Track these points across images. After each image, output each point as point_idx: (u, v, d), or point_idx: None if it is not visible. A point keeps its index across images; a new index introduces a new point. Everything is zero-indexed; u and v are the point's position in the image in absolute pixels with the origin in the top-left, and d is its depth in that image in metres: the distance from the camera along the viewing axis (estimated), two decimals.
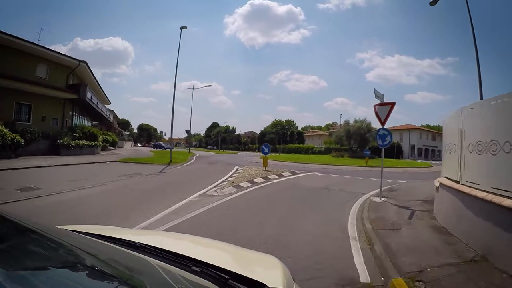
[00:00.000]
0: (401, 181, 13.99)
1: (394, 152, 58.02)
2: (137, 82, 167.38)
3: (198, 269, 1.03)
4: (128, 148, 48.83)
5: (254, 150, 75.21)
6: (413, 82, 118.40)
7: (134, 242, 1.27)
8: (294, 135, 78.63)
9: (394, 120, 65.43)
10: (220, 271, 1.02)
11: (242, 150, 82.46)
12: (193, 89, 41.79)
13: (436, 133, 73.88)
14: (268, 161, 17.20)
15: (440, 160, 9.54)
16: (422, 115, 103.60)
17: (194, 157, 29.30)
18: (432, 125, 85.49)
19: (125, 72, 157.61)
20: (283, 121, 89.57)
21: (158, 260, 1.09)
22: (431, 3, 14.18)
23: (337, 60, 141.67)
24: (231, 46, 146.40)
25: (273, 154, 42.76)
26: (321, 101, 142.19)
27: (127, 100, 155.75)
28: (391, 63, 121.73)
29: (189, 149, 47.45)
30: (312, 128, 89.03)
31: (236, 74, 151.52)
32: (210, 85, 55.35)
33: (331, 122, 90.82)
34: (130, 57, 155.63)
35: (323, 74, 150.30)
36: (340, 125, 58.54)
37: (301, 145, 72.50)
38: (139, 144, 79.58)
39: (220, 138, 77.53)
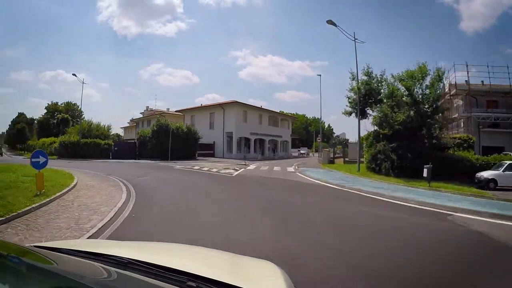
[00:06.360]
0: None
1: (190, 147, 28.83)
2: None
3: (194, 284, 0.93)
4: None
5: None
6: (284, 81, 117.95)
7: (121, 257, 1.14)
8: None
9: None
10: (218, 285, 0.94)
11: None
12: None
13: (278, 116, 49.39)
14: None
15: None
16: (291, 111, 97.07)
17: None
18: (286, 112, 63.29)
19: None
20: None
21: (149, 277, 0.99)
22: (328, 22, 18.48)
23: (211, 57, 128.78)
24: (102, 33, 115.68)
25: None
26: (193, 96, 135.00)
27: None
28: (263, 62, 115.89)
29: None
30: None
31: (105, 65, 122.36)
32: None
33: None
34: None
35: (196, 70, 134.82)
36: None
37: None
38: None
39: None
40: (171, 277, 0.98)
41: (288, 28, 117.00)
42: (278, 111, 49.52)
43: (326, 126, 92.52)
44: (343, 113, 21.61)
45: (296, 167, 21.66)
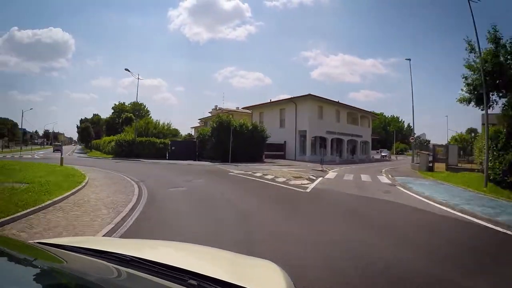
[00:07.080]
0: None
1: (256, 147, 24.94)
2: (77, 77, 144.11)
3: (195, 283, 0.93)
4: None
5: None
6: (357, 80, 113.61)
7: (124, 255, 1.13)
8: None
9: None
10: (219, 284, 0.93)
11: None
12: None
13: (358, 112, 41.06)
14: None
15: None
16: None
17: None
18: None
19: (65, 67, 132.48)
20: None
21: (151, 275, 0.98)
22: None
23: (282, 58, 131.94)
24: (175, 41, 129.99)
25: None
26: (266, 97, 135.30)
27: (67, 97, 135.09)
28: (335, 62, 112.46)
29: None
30: None
31: (180, 70, 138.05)
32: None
33: None
34: (70, 50, 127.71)
35: (268, 71, 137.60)
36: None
37: None
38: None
39: None
40: (172, 275, 0.97)
41: (357, 25, 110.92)
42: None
43: (406, 125, 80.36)
44: (457, 101, 14.21)
45: (390, 176, 15.41)
